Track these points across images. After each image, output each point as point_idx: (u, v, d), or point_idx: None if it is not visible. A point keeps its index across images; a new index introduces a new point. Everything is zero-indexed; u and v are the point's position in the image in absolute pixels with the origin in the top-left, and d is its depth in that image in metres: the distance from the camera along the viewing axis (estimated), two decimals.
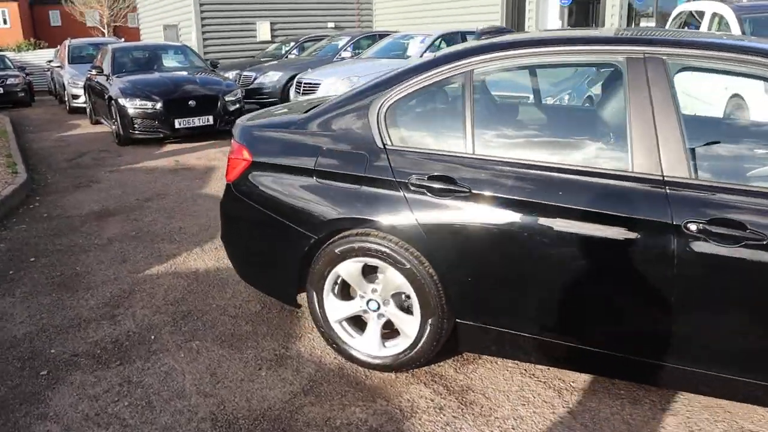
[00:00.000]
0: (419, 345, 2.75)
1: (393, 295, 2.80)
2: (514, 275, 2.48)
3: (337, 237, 2.76)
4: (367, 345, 2.87)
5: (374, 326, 2.85)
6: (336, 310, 2.90)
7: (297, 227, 2.83)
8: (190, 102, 8.48)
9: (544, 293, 2.45)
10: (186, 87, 8.70)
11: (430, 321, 2.69)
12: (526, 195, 2.40)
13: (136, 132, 8.45)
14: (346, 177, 2.72)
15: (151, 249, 4.57)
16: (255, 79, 11.49)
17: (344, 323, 2.93)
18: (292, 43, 14.68)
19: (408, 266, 2.64)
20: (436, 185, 2.54)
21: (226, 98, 8.87)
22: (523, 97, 3.00)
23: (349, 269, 2.79)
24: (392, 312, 2.81)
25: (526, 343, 2.56)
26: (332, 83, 9.40)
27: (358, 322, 2.96)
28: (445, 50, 2.84)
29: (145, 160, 7.75)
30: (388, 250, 2.65)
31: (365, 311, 2.87)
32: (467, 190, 2.48)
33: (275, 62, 12.65)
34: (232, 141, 3.10)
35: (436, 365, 2.92)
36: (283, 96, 11.44)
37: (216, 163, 7.45)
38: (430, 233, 2.57)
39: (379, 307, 2.82)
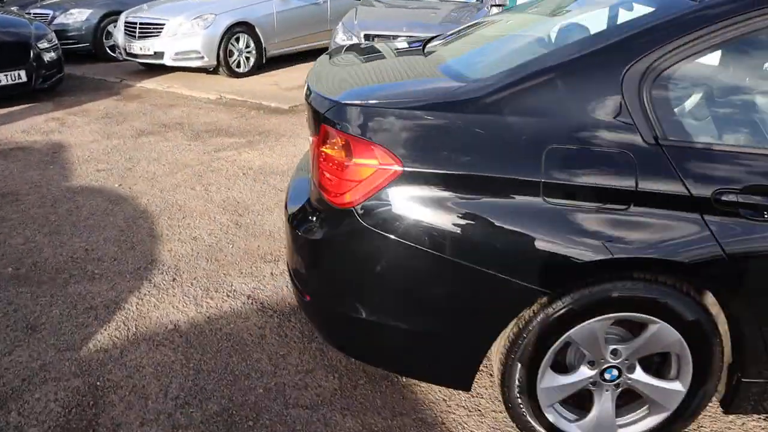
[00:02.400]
0: (681, 418, 1.90)
1: (641, 359, 1.87)
2: None
3: (579, 288, 1.70)
4: (598, 428, 1.92)
5: (608, 401, 1.90)
6: (554, 389, 1.87)
7: (505, 277, 1.69)
8: None
9: None
10: None
11: (706, 386, 1.83)
12: None
13: None
14: (602, 193, 1.64)
15: (67, 297, 2.87)
16: (53, 18, 8.76)
17: (558, 404, 1.92)
18: None
19: (691, 318, 1.73)
20: (764, 201, 1.62)
21: (40, 45, 6.44)
22: None
23: (589, 332, 1.77)
24: (640, 379, 1.88)
25: None
26: (180, 23, 7.47)
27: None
28: None
29: None
30: (667, 300, 1.70)
31: (594, 383, 1.89)
32: None
33: None
34: (337, 132, 1.76)
35: None
36: (95, 40, 8.96)
37: (57, 137, 5.34)
38: (745, 271, 1.66)
39: (619, 375, 1.87)
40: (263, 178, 4.44)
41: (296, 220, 1.99)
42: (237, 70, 7.87)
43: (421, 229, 1.69)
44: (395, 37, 6.61)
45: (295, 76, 8.04)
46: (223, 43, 7.56)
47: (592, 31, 1.85)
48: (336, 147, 1.77)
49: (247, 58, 7.99)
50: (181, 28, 7.42)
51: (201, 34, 7.40)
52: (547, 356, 1.80)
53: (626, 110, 1.64)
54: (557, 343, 1.78)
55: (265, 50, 8.19)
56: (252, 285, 2.99)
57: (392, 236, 1.71)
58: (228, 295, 2.90)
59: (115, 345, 2.52)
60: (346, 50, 2.60)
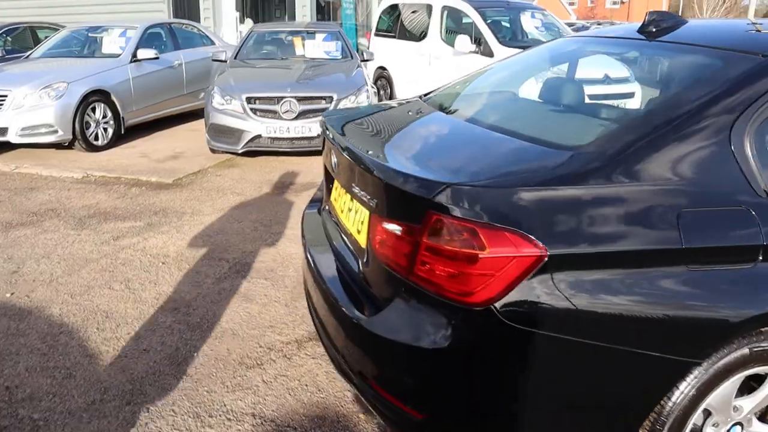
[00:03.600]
0: None
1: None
2: None
3: (719, 350, 1.64)
4: None
5: None
6: None
7: (663, 355, 1.56)
8: None
9: None
10: None
11: None
12: None
13: None
14: (735, 251, 1.61)
15: None
16: None
17: None
18: None
19: None
20: None
21: None
22: None
23: (725, 394, 1.72)
24: (759, 431, 1.86)
25: None
26: (26, 95, 6.50)
27: None
28: None
29: None
30: None
31: None
32: None
33: None
34: (458, 221, 1.52)
35: None
36: None
37: None
38: None
39: (741, 431, 1.83)
40: (188, 265, 3.90)
41: (387, 325, 1.69)
42: (95, 143, 7.02)
43: (574, 318, 1.51)
44: (280, 98, 6.40)
45: (161, 146, 7.38)
46: (78, 115, 6.71)
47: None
48: (458, 237, 1.53)
49: (105, 129, 7.19)
50: (27, 100, 6.45)
51: (52, 105, 6.49)
52: (688, 429, 1.70)
53: (737, 165, 1.64)
54: (697, 412, 1.69)
55: (123, 119, 7.44)
56: (249, 400, 2.52)
57: (543, 332, 1.51)
58: (229, 419, 2.41)
59: None
60: (368, 114, 2.36)
